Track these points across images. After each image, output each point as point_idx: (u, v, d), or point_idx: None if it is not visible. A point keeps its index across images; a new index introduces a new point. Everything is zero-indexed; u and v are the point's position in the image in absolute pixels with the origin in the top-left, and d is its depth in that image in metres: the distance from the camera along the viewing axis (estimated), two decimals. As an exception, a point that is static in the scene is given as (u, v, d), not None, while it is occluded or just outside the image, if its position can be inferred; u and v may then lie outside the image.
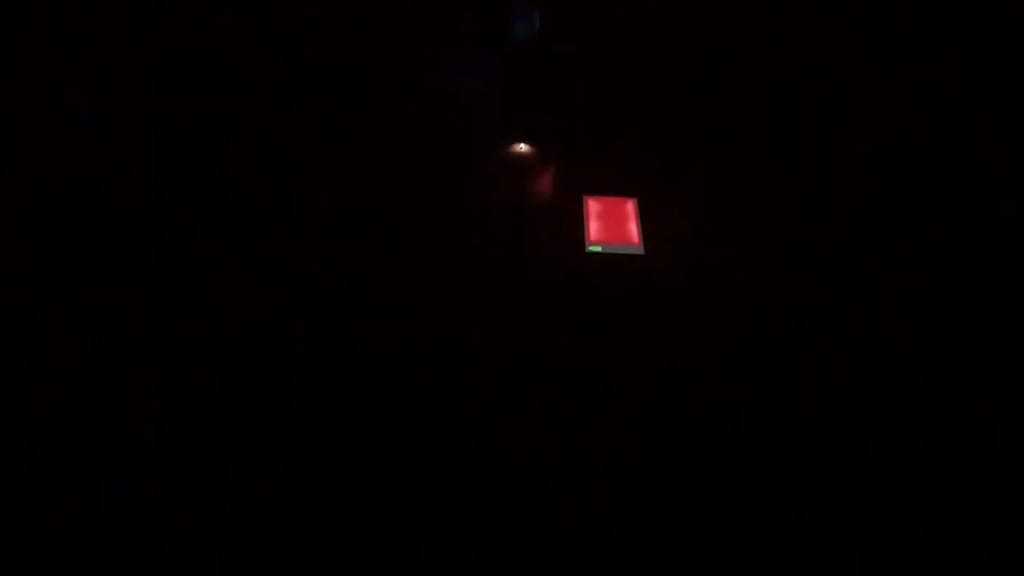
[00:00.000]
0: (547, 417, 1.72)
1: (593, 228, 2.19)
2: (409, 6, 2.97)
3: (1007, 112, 2.55)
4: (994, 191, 2.28)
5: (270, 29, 2.93)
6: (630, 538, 1.51)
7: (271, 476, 1.61)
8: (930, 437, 1.67)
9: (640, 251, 2.13)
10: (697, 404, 1.75)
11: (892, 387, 1.77)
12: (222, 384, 1.78)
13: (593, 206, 2.26)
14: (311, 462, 1.64)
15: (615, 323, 1.93)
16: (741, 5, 3.04)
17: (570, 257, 2.11)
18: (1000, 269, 2.05)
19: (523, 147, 2.49)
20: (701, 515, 1.55)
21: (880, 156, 2.46)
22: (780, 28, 3.01)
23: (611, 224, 2.20)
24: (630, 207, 2.25)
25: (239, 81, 2.73)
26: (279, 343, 1.88)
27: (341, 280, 2.05)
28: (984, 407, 1.72)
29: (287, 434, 1.69)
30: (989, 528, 1.51)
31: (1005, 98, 2.60)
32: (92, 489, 1.58)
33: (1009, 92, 2.62)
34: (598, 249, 2.13)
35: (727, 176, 2.39)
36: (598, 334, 1.91)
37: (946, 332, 1.90)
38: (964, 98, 2.63)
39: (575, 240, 2.17)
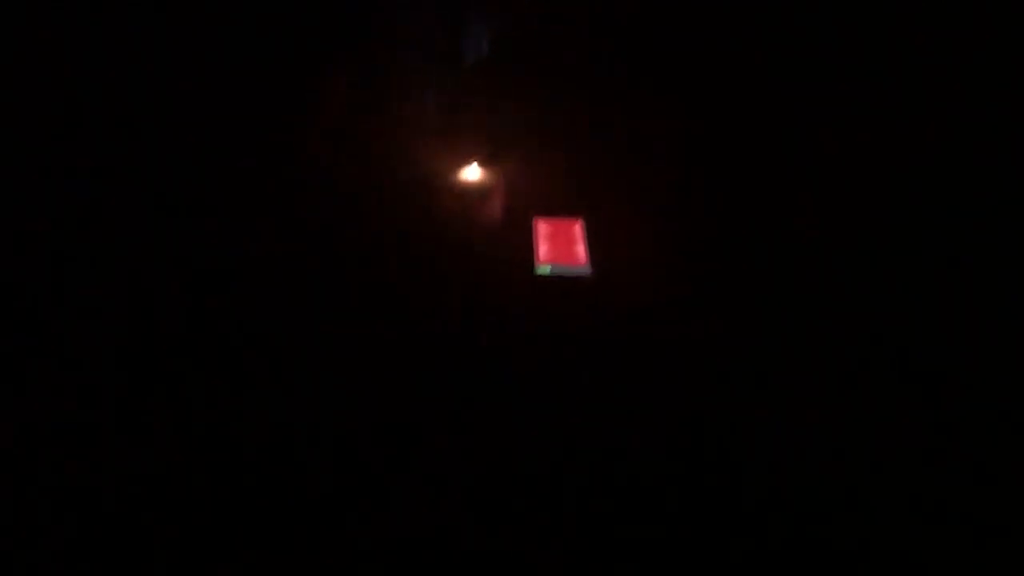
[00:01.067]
0: (500, 439, 1.79)
1: (542, 250, 2.27)
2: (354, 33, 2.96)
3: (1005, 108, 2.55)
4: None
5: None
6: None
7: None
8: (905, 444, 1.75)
9: (587, 271, 2.21)
10: (646, 421, 1.83)
11: (863, 400, 1.84)
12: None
13: (542, 228, 2.34)
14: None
15: (566, 343, 2.01)
16: (684, 22, 3.10)
17: (520, 279, 2.18)
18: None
19: (473, 170, 2.55)
20: (660, 539, 1.61)
21: (837, 167, 2.48)
22: (726, 39, 3.08)
23: (559, 245, 2.28)
24: (577, 228, 2.34)
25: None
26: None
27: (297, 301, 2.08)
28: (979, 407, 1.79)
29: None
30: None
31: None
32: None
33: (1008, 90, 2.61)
34: (547, 271, 2.21)
35: (677, 191, 2.46)
36: (551, 354, 1.98)
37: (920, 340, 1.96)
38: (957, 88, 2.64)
39: (525, 262, 2.23)
